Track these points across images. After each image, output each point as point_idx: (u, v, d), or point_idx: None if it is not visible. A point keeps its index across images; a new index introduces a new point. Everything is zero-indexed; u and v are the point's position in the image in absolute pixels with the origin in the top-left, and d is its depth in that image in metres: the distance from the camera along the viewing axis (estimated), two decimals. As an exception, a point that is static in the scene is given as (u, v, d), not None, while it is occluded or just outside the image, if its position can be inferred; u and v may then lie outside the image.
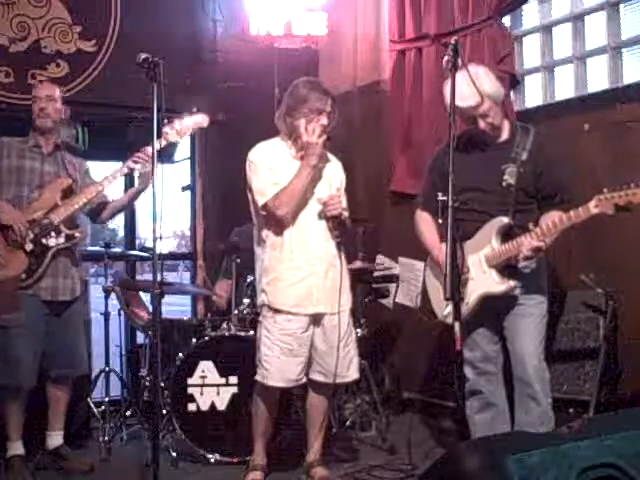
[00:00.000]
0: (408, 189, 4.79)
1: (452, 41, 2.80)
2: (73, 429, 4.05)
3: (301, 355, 3.38)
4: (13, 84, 4.65)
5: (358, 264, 4.28)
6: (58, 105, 3.77)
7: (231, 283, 4.33)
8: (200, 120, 3.62)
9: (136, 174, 3.76)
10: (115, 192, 3.92)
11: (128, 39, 4.91)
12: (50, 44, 4.86)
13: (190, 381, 3.85)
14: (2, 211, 3.53)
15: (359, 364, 3.59)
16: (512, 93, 4.33)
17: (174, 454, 3.81)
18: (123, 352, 4.63)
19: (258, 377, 3.41)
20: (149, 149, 3.61)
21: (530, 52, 4.51)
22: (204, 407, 3.85)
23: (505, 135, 3.24)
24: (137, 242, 5.99)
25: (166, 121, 3.30)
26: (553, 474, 1.82)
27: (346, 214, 3.49)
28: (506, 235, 3.09)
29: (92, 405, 4.20)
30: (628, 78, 3.91)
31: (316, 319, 3.40)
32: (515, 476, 1.78)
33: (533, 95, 4.50)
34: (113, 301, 4.35)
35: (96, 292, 4.66)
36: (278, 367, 3.34)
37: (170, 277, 9.94)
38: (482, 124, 3.14)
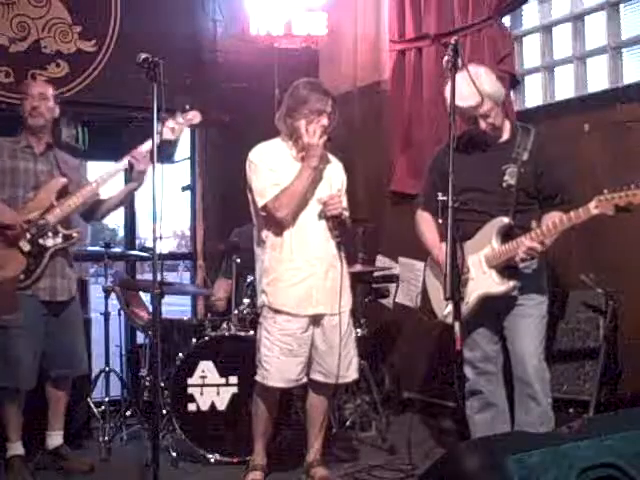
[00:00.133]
0: (408, 189, 4.79)
1: (452, 41, 2.80)
2: (73, 429, 4.05)
3: (301, 355, 3.38)
4: (13, 84, 4.64)
5: (358, 267, 4.28)
6: (51, 104, 3.75)
7: (231, 283, 4.33)
8: (192, 117, 3.61)
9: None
10: (108, 190, 3.89)
11: (128, 39, 4.91)
12: (50, 44, 4.85)
13: (190, 381, 3.85)
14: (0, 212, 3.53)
15: (359, 364, 3.59)
16: (512, 93, 4.33)
17: (174, 454, 3.81)
18: (123, 352, 4.62)
19: (258, 377, 3.41)
20: (143, 148, 3.62)
21: (530, 52, 4.51)
22: (204, 407, 3.85)
23: (506, 135, 3.24)
24: (137, 242, 5.99)
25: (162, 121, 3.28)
26: (553, 474, 1.82)
27: (346, 214, 3.50)
28: (506, 235, 3.10)
29: (92, 405, 4.20)
30: (628, 78, 3.91)
31: (316, 319, 3.40)
32: (515, 476, 1.78)
33: (533, 95, 4.50)
34: (113, 301, 4.35)
35: (96, 292, 4.66)
36: (278, 367, 3.35)
37: (170, 277, 9.94)
38: (483, 124, 3.14)
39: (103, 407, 4.14)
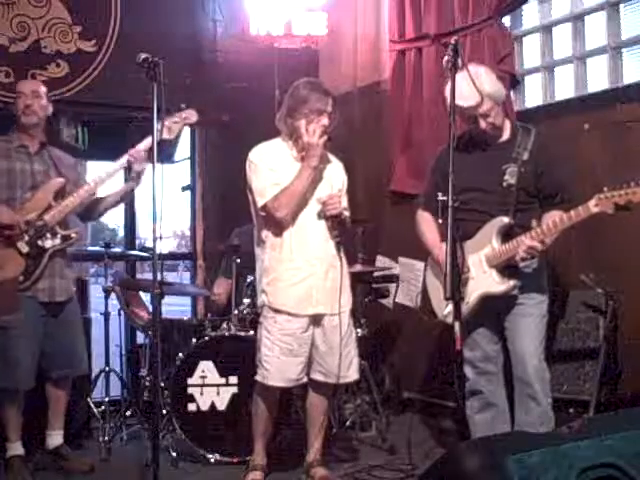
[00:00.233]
0: (408, 189, 4.79)
1: (452, 41, 2.80)
2: (73, 429, 4.05)
3: (301, 355, 3.38)
4: (13, 84, 4.62)
5: (358, 267, 4.28)
6: (44, 102, 3.72)
7: (230, 282, 4.33)
8: (189, 116, 3.60)
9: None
10: (105, 189, 3.86)
11: (128, 39, 4.90)
12: (50, 44, 4.85)
13: (190, 381, 3.85)
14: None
15: (359, 364, 3.59)
16: (512, 93, 4.33)
17: (174, 454, 3.81)
18: (123, 352, 4.62)
19: (258, 377, 3.41)
20: (140, 147, 3.61)
21: (530, 52, 4.51)
22: (204, 407, 3.85)
23: (506, 135, 3.24)
24: (137, 242, 5.99)
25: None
26: (553, 474, 1.82)
27: (347, 214, 3.50)
28: (507, 235, 3.10)
29: (92, 405, 4.19)
30: (628, 78, 3.91)
31: (316, 319, 3.40)
32: (515, 476, 1.78)
33: (533, 95, 4.50)
34: (113, 301, 4.35)
35: (96, 292, 4.66)
36: (278, 367, 3.35)
37: (170, 277, 9.94)
38: (483, 124, 3.14)
39: (103, 407, 4.14)
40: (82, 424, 4.19)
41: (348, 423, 4.30)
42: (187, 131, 5.40)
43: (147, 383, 4.14)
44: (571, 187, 3.14)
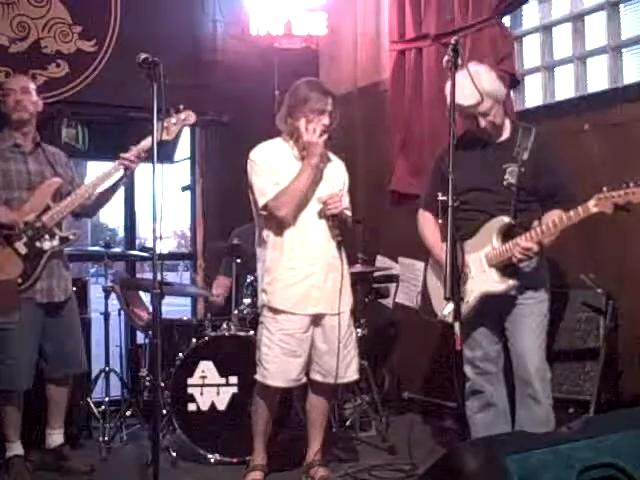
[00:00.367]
0: (408, 189, 4.79)
1: (452, 41, 2.81)
2: (73, 429, 4.05)
3: (301, 355, 3.38)
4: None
5: (358, 267, 4.28)
6: (34, 98, 3.69)
7: (230, 281, 4.33)
8: (186, 117, 3.59)
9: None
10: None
11: (128, 39, 4.90)
12: (50, 44, 4.85)
13: (190, 381, 3.85)
14: None
15: (359, 364, 3.59)
16: (512, 93, 4.33)
17: (174, 454, 3.82)
18: (123, 352, 4.63)
19: (258, 377, 3.41)
20: (134, 153, 3.60)
21: (530, 52, 4.51)
22: (204, 407, 3.85)
23: (506, 134, 3.24)
24: (137, 242, 5.99)
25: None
26: (553, 474, 1.82)
27: (349, 213, 3.50)
28: (507, 235, 3.10)
29: (92, 405, 4.19)
30: (628, 78, 3.91)
31: (316, 319, 3.40)
32: (515, 476, 1.78)
33: (533, 95, 4.49)
34: (113, 301, 4.35)
35: (96, 292, 4.65)
36: (278, 367, 3.35)
37: (170, 277, 9.94)
38: (483, 122, 3.14)
39: (103, 407, 4.14)
40: (82, 424, 4.19)
41: (348, 423, 4.30)
42: (187, 131, 5.41)
43: (147, 383, 4.14)
44: (571, 187, 3.14)
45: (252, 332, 3.85)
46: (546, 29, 4.39)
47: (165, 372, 3.92)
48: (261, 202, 3.36)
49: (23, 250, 3.51)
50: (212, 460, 3.78)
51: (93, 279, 10.95)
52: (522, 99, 4.54)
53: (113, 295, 4.33)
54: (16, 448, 3.61)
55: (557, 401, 3.25)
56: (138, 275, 5.97)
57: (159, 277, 2.86)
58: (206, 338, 3.93)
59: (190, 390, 3.85)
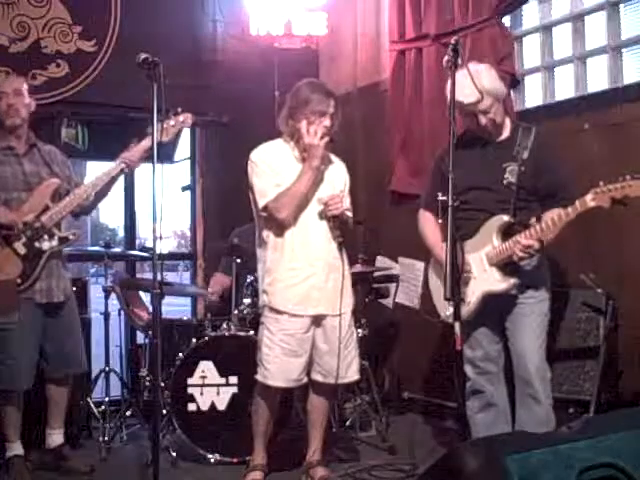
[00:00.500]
0: (408, 189, 4.79)
1: (452, 41, 2.81)
2: (73, 429, 4.05)
3: (302, 355, 3.38)
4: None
5: (358, 268, 4.28)
6: (26, 100, 3.65)
7: (229, 279, 4.33)
8: (184, 119, 3.59)
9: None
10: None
11: (128, 39, 4.90)
12: (50, 44, 4.85)
13: (190, 381, 3.85)
14: None
15: (359, 364, 3.58)
16: (512, 93, 4.33)
17: (174, 454, 3.82)
18: (123, 352, 4.63)
19: (259, 377, 3.41)
20: (135, 154, 3.59)
21: (530, 52, 4.51)
22: (204, 407, 3.85)
23: (506, 133, 3.25)
24: (137, 242, 5.99)
25: (149, 121, 3.23)
26: (553, 474, 1.82)
27: (349, 214, 3.50)
28: (507, 233, 3.10)
29: (92, 405, 4.19)
30: (628, 78, 3.91)
31: (317, 320, 3.41)
32: (515, 476, 1.78)
33: (533, 95, 4.49)
34: (113, 301, 4.35)
35: (96, 292, 4.66)
36: (279, 367, 3.35)
37: (170, 277, 9.94)
38: (483, 120, 3.14)
39: (103, 407, 4.13)
40: (82, 424, 4.19)
41: (348, 423, 4.30)
42: (187, 131, 5.41)
43: (147, 383, 4.14)
44: (571, 186, 3.14)
45: (252, 332, 3.85)
46: (546, 29, 4.39)
47: (165, 372, 3.92)
48: (261, 203, 3.36)
49: (22, 250, 3.51)
50: (212, 460, 3.78)
51: (93, 279, 10.95)
52: (522, 99, 4.54)
53: (113, 295, 4.33)
54: (16, 448, 3.61)
55: (557, 401, 3.25)
56: (138, 275, 5.97)
57: (159, 277, 2.86)
58: (206, 338, 3.92)
59: (190, 390, 3.85)
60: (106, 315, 4.29)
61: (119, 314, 4.66)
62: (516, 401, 3.23)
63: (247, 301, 4.18)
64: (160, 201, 2.86)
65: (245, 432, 3.59)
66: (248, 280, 4.21)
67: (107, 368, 4.23)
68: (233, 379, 3.86)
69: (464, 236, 3.16)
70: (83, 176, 4.01)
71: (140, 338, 4.83)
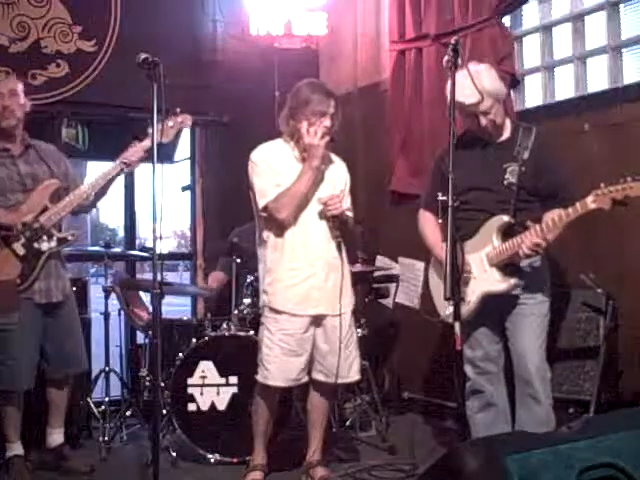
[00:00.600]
0: (408, 189, 4.79)
1: (452, 41, 2.81)
2: (73, 429, 4.05)
3: (302, 355, 3.38)
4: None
5: (358, 267, 4.28)
6: (21, 100, 3.62)
7: (226, 277, 4.34)
8: (183, 120, 3.58)
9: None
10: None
11: (128, 39, 4.90)
12: (50, 44, 4.85)
13: (190, 381, 3.85)
14: None
15: (360, 364, 3.58)
16: (512, 93, 4.33)
17: (174, 454, 3.82)
18: (123, 352, 4.63)
19: (259, 377, 3.41)
20: (135, 154, 3.59)
21: (530, 52, 4.51)
22: (204, 407, 3.85)
23: (507, 134, 3.25)
24: (137, 242, 5.99)
25: (149, 121, 3.23)
26: (553, 474, 1.82)
27: (350, 214, 3.50)
28: (507, 233, 3.10)
29: (92, 405, 4.19)
30: (628, 78, 3.91)
31: (317, 320, 3.41)
32: (515, 476, 1.78)
33: (533, 95, 4.49)
34: (113, 301, 4.35)
35: (96, 292, 4.66)
36: (279, 367, 3.35)
37: (170, 277, 9.93)
38: (484, 121, 3.14)
39: (103, 407, 4.13)
40: (82, 424, 4.19)
41: (348, 423, 4.30)
42: (187, 131, 5.40)
43: (147, 383, 4.14)
44: (571, 187, 3.14)
45: (252, 332, 3.85)
46: (546, 29, 4.39)
47: (165, 372, 3.92)
48: (261, 203, 3.36)
49: (21, 251, 3.50)
50: (212, 460, 3.78)
51: (93, 279, 10.94)
52: (522, 99, 4.54)
53: (113, 295, 4.33)
54: (16, 448, 3.61)
55: (557, 401, 3.25)
56: (138, 275, 5.97)
57: (159, 277, 2.86)
58: (206, 338, 3.92)
59: (190, 390, 3.85)
60: (106, 315, 4.29)
61: (119, 314, 4.66)
62: (516, 401, 3.23)
63: (247, 301, 4.18)
64: (160, 201, 2.86)
65: (245, 432, 3.59)
66: (248, 280, 4.21)
67: (107, 368, 4.23)
68: (233, 379, 3.86)
69: (464, 236, 3.16)
70: (83, 176, 4.00)
71: (140, 338, 4.82)
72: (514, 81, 4.30)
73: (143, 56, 2.89)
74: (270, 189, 3.35)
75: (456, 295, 2.66)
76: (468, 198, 3.11)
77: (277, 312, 3.37)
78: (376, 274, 4.69)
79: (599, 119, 3.85)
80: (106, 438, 3.98)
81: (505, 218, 3.11)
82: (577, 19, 4.19)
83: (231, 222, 4.81)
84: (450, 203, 2.71)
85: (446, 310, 2.93)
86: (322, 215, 3.39)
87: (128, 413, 4.27)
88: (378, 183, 5.13)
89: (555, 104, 4.26)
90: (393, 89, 5.02)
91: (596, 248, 3.74)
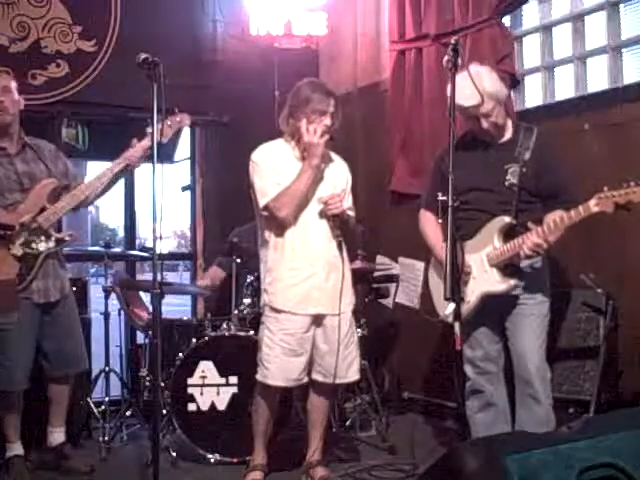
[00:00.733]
0: (408, 189, 4.79)
1: (452, 41, 2.81)
2: (73, 429, 4.04)
3: (302, 354, 3.38)
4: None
5: (358, 264, 4.28)
6: (15, 96, 3.60)
7: (223, 272, 4.34)
8: (181, 120, 3.57)
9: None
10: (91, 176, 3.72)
11: (128, 39, 4.90)
12: (50, 44, 4.85)
13: (190, 381, 3.85)
14: None
15: (360, 364, 3.58)
16: (512, 93, 4.33)
17: (174, 454, 3.82)
18: (123, 352, 4.63)
19: (259, 376, 3.41)
20: (138, 152, 3.59)
21: (530, 52, 4.51)
22: (204, 407, 3.85)
23: (508, 135, 3.25)
24: (137, 242, 5.99)
25: (148, 121, 3.23)
26: (553, 474, 1.82)
27: (351, 214, 3.50)
28: (508, 234, 3.10)
29: (92, 405, 4.19)
30: (628, 78, 3.91)
31: (317, 319, 3.41)
32: (515, 476, 1.78)
33: (533, 95, 4.49)
34: (113, 301, 4.35)
35: (96, 292, 4.66)
36: (279, 366, 3.35)
37: (170, 277, 9.93)
38: (485, 124, 3.14)
39: (103, 407, 4.13)
40: (82, 424, 4.19)
41: (348, 423, 4.30)
42: (187, 131, 5.41)
43: (147, 383, 4.14)
44: (572, 188, 3.14)
45: (252, 332, 3.85)
46: (546, 29, 4.39)
47: (165, 372, 3.92)
48: (262, 203, 3.36)
49: (19, 251, 3.49)
50: (212, 460, 3.78)
51: (93, 279, 10.95)
52: (522, 99, 4.54)
53: (113, 295, 4.33)
54: (16, 448, 3.61)
55: (557, 401, 3.25)
56: (138, 275, 5.97)
57: (159, 277, 2.86)
58: (206, 338, 3.92)
59: (190, 390, 3.85)
60: (106, 315, 4.28)
61: (119, 314, 4.66)
62: (516, 401, 3.23)
63: (247, 301, 4.18)
64: (160, 201, 2.86)
65: (245, 432, 3.59)
66: (248, 280, 4.21)
67: (107, 368, 4.23)
68: (233, 379, 3.86)
69: (464, 236, 3.16)
70: (83, 176, 3.98)
71: (140, 338, 4.82)
72: (514, 81, 4.30)
73: (143, 56, 2.89)
74: (271, 188, 3.35)
75: (456, 295, 2.66)
76: (468, 198, 3.11)
77: (278, 311, 3.37)
78: (376, 274, 4.69)
79: (599, 119, 3.85)
80: (106, 438, 3.98)
81: (507, 219, 3.11)
82: (577, 19, 4.19)
83: (231, 222, 4.81)
84: (450, 203, 2.71)
85: (446, 310, 2.93)
86: (323, 214, 3.39)
87: (128, 413, 4.27)
88: (378, 183, 5.13)
89: (555, 104, 4.27)
90: (393, 89, 5.02)
91: (597, 248, 3.74)
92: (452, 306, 2.70)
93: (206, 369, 3.86)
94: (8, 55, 4.72)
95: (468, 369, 3.31)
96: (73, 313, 3.79)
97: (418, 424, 4.46)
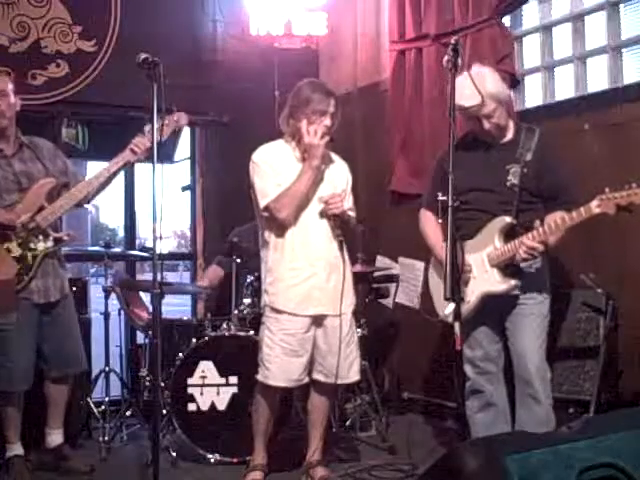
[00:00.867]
0: (408, 189, 4.79)
1: (452, 41, 2.81)
2: (73, 429, 4.04)
3: (303, 355, 3.38)
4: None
5: (358, 267, 4.28)
6: (11, 99, 3.58)
7: (222, 270, 4.34)
8: (179, 119, 3.57)
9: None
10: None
11: (128, 39, 4.90)
12: (50, 44, 4.85)
13: (190, 381, 3.85)
14: None
15: (360, 365, 3.58)
16: (512, 93, 4.33)
17: (174, 454, 3.82)
18: (123, 352, 4.63)
19: (259, 377, 3.41)
20: (145, 145, 3.58)
21: (530, 52, 4.51)
22: (204, 407, 3.85)
23: (509, 135, 3.25)
24: (137, 242, 5.99)
25: (146, 119, 3.21)
26: (553, 474, 1.82)
27: (352, 214, 3.50)
28: (509, 235, 3.10)
29: (92, 405, 4.19)
30: (628, 78, 3.91)
31: (318, 320, 3.41)
32: (515, 476, 1.78)
33: (533, 95, 4.50)
34: (113, 301, 4.35)
35: (96, 292, 4.66)
36: (279, 367, 3.35)
37: (170, 277, 9.94)
38: (487, 125, 3.14)
39: (103, 407, 4.13)
40: (82, 424, 4.19)
41: (348, 423, 4.30)
42: (187, 131, 5.41)
43: (147, 383, 4.14)
44: (572, 188, 3.14)
45: (252, 332, 3.85)
46: (546, 29, 4.39)
47: (165, 372, 3.92)
48: (262, 203, 3.36)
49: (17, 251, 3.48)
50: (212, 460, 3.78)
51: (93, 279, 10.95)
52: (522, 99, 4.54)
53: (113, 295, 4.33)
54: (16, 448, 3.61)
55: (557, 401, 3.25)
56: (138, 275, 5.97)
57: (159, 277, 2.86)
58: (206, 338, 3.92)
59: (190, 390, 3.85)
60: (106, 315, 4.28)
61: (119, 314, 4.66)
62: (516, 401, 3.23)
63: (247, 301, 4.18)
64: (160, 201, 2.87)
65: (245, 432, 3.59)
66: (248, 280, 4.21)
67: (107, 368, 4.23)
68: (233, 379, 3.86)
69: (465, 236, 3.16)
70: (83, 176, 3.98)
71: (140, 338, 4.82)
72: (514, 81, 4.30)
73: (143, 56, 2.89)
74: (271, 189, 3.35)
75: (456, 295, 2.66)
76: (469, 198, 3.11)
77: (278, 312, 3.37)
78: (376, 274, 4.69)
79: (599, 119, 3.85)
80: (106, 438, 3.98)
81: (507, 219, 3.11)
82: (577, 19, 4.19)
83: (231, 222, 4.82)
84: (450, 203, 2.71)
85: (446, 310, 2.93)
86: (323, 214, 3.39)
87: (128, 413, 4.27)
88: (378, 183, 5.13)
89: (555, 104, 4.27)
90: (393, 89, 5.02)
91: (597, 248, 3.74)
92: (452, 306, 2.70)
93: (206, 369, 3.86)
94: (8, 55, 4.72)
95: (468, 369, 3.31)
96: (72, 313, 3.78)
97: (418, 424, 4.46)
